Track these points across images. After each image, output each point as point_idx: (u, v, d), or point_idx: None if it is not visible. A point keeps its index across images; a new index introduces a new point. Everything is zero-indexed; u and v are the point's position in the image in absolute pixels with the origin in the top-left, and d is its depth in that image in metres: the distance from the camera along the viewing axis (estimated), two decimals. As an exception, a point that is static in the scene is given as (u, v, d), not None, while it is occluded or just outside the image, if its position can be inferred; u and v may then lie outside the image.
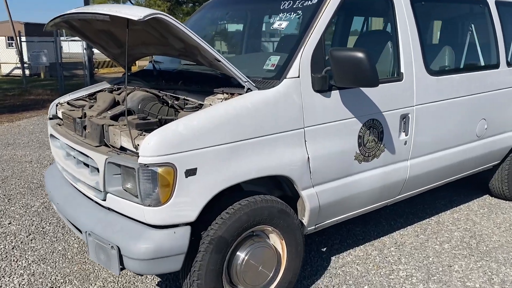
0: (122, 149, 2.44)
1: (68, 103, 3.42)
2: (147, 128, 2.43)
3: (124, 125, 2.49)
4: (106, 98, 3.00)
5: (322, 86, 2.62)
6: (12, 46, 19.91)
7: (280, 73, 2.57)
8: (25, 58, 16.57)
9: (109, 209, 2.49)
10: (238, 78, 2.44)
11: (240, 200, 2.45)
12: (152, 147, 2.15)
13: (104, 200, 2.46)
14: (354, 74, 2.47)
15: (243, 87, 2.47)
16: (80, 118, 2.83)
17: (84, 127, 2.77)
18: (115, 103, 3.01)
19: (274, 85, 2.51)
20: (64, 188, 2.90)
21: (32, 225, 3.94)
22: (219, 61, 2.38)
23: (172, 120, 2.52)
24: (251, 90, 2.47)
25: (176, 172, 2.18)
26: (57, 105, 3.43)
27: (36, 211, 4.26)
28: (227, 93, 2.56)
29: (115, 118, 2.74)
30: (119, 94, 3.21)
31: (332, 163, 2.77)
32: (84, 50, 14.18)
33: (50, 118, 3.41)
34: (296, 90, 2.55)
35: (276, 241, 2.67)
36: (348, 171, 2.90)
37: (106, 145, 2.57)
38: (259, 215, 2.48)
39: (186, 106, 2.61)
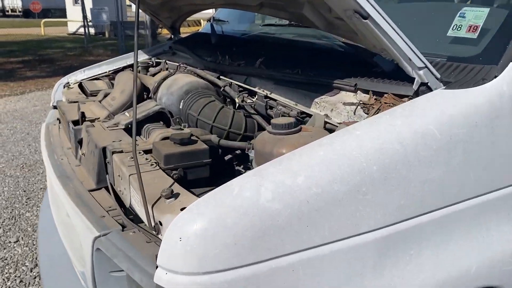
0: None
1: (80, 84, 2.18)
2: (187, 165, 1.11)
3: (147, 154, 1.17)
4: (127, 86, 1.69)
5: None
6: (79, 3, 19.54)
7: (497, 49, 1.10)
8: (90, 16, 15.99)
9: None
10: (402, 59, 1.01)
11: None
12: (191, 251, 0.80)
13: (100, 306, 1.20)
14: None
15: (412, 80, 1.04)
16: (76, 122, 1.56)
17: (80, 142, 1.50)
18: (142, 94, 1.71)
19: (485, 76, 1.05)
20: (52, 245, 1.66)
21: (44, 247, 2.86)
22: (366, 17, 0.95)
23: (245, 150, 1.17)
24: (430, 90, 1.03)
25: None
26: (64, 87, 2.21)
27: (55, 222, 3.18)
28: (365, 92, 1.14)
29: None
30: (153, 75, 1.91)
31: None
32: (146, 7, 13.05)
33: (54, 107, 2.20)
34: (536, 91, 1.08)
35: None
36: None
37: (110, 189, 1.29)
38: None
39: (271, 117, 1.23)
